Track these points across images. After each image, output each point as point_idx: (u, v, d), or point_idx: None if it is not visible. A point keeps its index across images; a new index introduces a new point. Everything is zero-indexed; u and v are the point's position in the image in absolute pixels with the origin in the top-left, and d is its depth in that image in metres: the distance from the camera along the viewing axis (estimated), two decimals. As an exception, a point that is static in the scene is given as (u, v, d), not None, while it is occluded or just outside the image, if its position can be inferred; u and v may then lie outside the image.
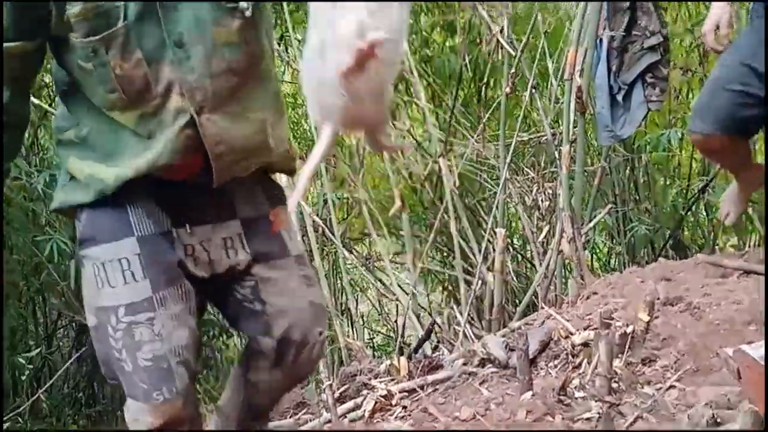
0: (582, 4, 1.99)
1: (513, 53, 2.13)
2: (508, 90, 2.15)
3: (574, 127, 2.08)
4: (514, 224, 2.95)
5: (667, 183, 3.12)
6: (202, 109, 1.09)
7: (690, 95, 2.88)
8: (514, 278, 2.56)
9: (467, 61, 2.48)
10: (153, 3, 1.04)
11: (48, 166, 2.95)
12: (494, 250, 2.18)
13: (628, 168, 2.86)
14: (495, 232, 2.15)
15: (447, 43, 3.44)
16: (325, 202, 2.67)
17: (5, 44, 1.08)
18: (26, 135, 3.50)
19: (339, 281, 3.26)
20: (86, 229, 1.16)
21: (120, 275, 1.12)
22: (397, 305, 2.94)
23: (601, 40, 2.07)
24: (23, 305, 3.63)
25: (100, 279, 1.13)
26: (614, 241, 3.08)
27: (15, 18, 1.07)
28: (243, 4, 1.07)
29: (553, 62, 2.33)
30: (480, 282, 2.27)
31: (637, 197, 2.95)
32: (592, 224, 2.19)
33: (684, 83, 2.80)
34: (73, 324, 3.71)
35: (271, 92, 1.18)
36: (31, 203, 3.00)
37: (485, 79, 2.95)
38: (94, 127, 1.14)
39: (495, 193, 2.38)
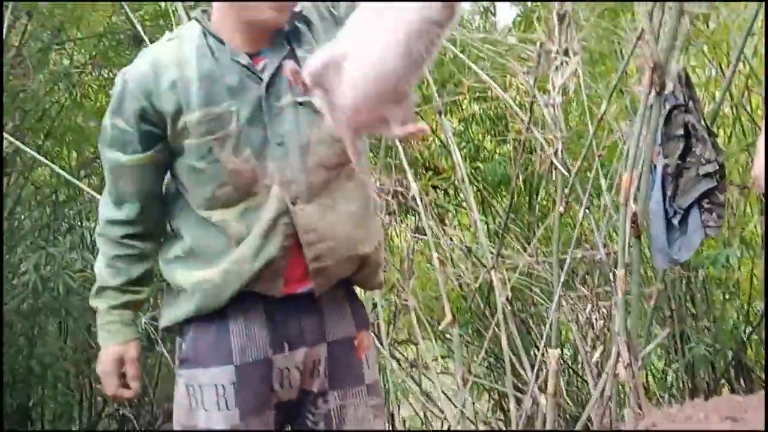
0: (636, 129, 2.03)
1: (566, 174, 2.17)
2: (561, 210, 2.18)
3: (629, 250, 2.07)
4: (566, 341, 2.89)
5: (727, 299, 3.03)
6: (297, 200, 1.22)
7: (747, 212, 2.84)
8: (568, 401, 2.47)
9: (518, 170, 2.51)
10: (260, 109, 1.21)
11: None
12: (547, 369, 2.14)
13: (684, 283, 2.80)
14: (548, 351, 2.12)
15: (497, 151, 3.54)
16: (374, 305, 2.70)
17: (130, 157, 1.27)
18: (90, 236, 3.72)
19: (384, 385, 3.23)
20: (188, 350, 1.29)
21: (214, 401, 1.24)
22: (442, 415, 2.87)
23: (655, 165, 2.10)
24: (71, 391, 3.71)
25: (195, 399, 1.26)
26: (671, 357, 2.97)
27: (134, 134, 1.25)
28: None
29: (606, 180, 2.35)
30: (531, 401, 2.22)
31: (695, 313, 2.87)
32: (648, 349, 2.13)
33: (741, 200, 2.78)
34: (117, 414, 3.76)
35: (361, 187, 1.31)
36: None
37: (537, 190, 3.01)
38: (200, 235, 1.27)
39: (547, 308, 2.36)
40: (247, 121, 1.21)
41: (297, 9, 1.33)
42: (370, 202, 1.35)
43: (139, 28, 2.82)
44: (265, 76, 1.24)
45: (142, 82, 1.24)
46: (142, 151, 1.27)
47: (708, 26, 2.48)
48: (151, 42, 3.16)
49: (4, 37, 2.66)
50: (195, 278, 1.26)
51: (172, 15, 2.75)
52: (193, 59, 1.23)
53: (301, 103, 1.23)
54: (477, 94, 2.89)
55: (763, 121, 1.88)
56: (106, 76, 3.48)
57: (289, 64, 1.13)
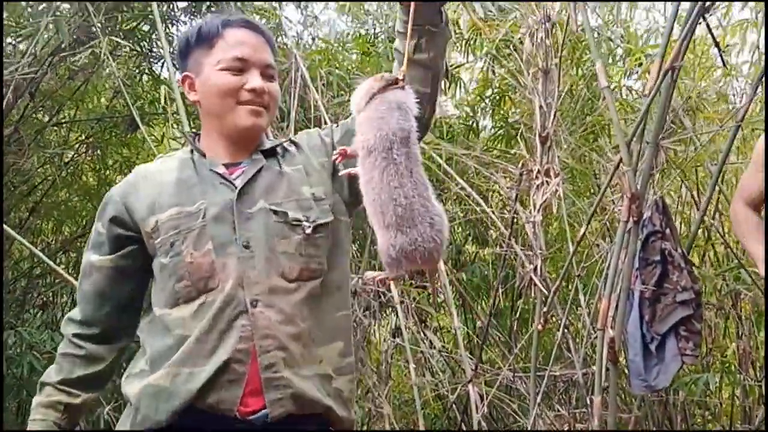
0: (614, 255, 2.07)
1: (546, 293, 2.18)
2: (539, 328, 2.17)
3: (607, 374, 2.06)
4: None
5: (708, 420, 2.98)
6: (257, 302, 1.19)
7: (725, 337, 2.85)
8: None
9: (498, 283, 2.52)
10: (230, 211, 1.23)
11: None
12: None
13: (662, 405, 2.76)
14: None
15: (479, 254, 3.57)
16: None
17: (98, 258, 1.31)
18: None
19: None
20: None
21: None
22: None
23: (632, 290, 2.12)
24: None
25: None
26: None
27: (105, 236, 1.30)
28: (305, 224, 1.24)
29: (585, 299, 2.37)
30: None
31: (675, 436, 2.81)
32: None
33: (719, 324, 2.79)
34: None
35: (326, 311, 1.26)
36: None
37: (519, 294, 3.01)
38: (158, 340, 1.23)
39: (524, 425, 2.31)
40: (213, 218, 1.23)
41: (290, 136, 1.43)
42: (338, 329, 1.28)
43: (135, 112, 2.89)
44: (239, 182, 1.27)
45: (124, 187, 1.32)
46: (108, 254, 1.30)
47: (677, 153, 2.58)
48: (144, 124, 3.28)
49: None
50: (141, 384, 1.20)
51: (167, 101, 2.83)
52: (174, 169, 1.31)
53: (275, 212, 1.25)
54: (461, 201, 2.95)
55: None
56: (99, 156, 3.53)
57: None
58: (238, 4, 3.01)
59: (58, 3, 2.92)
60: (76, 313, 1.33)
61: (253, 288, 1.19)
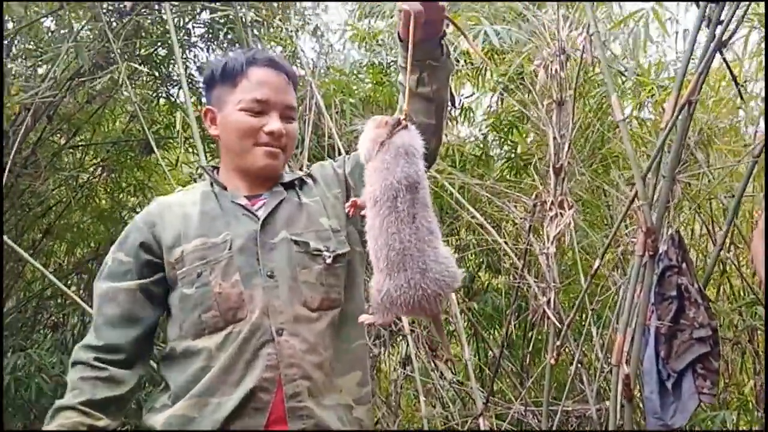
0: (629, 289, 2.04)
1: (559, 326, 2.15)
2: (552, 362, 2.14)
3: (621, 411, 2.01)
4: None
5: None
6: (282, 331, 1.21)
7: (742, 372, 2.79)
8: None
9: (511, 316, 2.49)
10: (254, 242, 1.26)
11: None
12: None
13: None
14: None
15: (492, 282, 3.54)
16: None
17: (123, 284, 1.29)
18: (72, 337, 3.63)
19: None
20: None
21: None
22: None
23: (648, 327, 2.08)
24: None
25: None
26: None
27: (133, 264, 1.29)
28: (326, 254, 1.27)
29: (599, 335, 2.33)
30: None
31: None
32: None
33: (737, 360, 2.73)
34: None
35: (345, 341, 1.28)
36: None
37: (532, 325, 2.97)
38: (182, 372, 1.24)
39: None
40: (239, 249, 1.25)
41: (305, 169, 1.43)
42: (357, 358, 1.31)
43: (151, 136, 2.92)
44: (261, 213, 1.30)
45: (148, 217, 1.33)
46: (136, 279, 1.29)
47: (690, 186, 2.55)
48: (159, 148, 3.31)
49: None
50: (170, 415, 1.21)
51: (181, 126, 2.86)
52: (197, 201, 1.34)
53: (296, 242, 1.28)
54: (474, 230, 2.93)
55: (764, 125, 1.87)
56: (114, 179, 3.56)
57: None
58: (255, 31, 3.05)
59: (78, 28, 2.98)
60: (93, 339, 1.29)
61: (278, 317, 1.22)
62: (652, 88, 2.55)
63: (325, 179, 1.40)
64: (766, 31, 1.75)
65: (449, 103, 1.30)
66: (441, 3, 1.17)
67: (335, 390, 1.24)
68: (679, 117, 1.91)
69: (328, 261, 1.27)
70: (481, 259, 3.36)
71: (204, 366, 1.21)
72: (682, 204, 2.54)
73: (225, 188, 1.35)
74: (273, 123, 1.31)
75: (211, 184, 1.36)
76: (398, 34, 1.24)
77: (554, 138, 2.21)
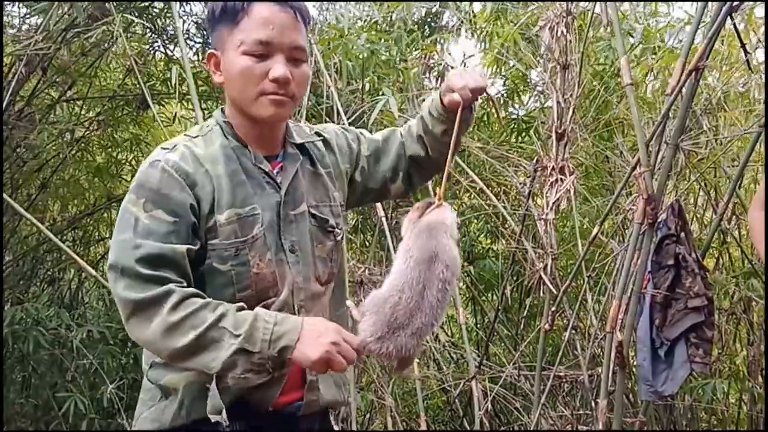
0: (626, 257, 2.03)
1: (555, 292, 2.15)
2: (547, 327, 2.14)
3: (613, 378, 2.03)
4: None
5: (714, 425, 2.95)
6: (302, 308, 1.23)
7: (736, 342, 2.81)
8: None
9: (506, 281, 2.48)
10: (277, 215, 1.22)
11: (86, 322, 3.03)
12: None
13: (668, 411, 2.73)
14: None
15: (492, 247, 3.52)
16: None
17: (178, 246, 1.13)
18: (69, 292, 3.63)
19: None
20: None
21: None
22: None
23: (644, 294, 2.08)
24: (26, 453, 3.53)
25: None
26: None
27: (181, 225, 1.15)
28: (337, 230, 1.29)
29: (594, 301, 2.33)
30: None
31: (679, 440, 2.78)
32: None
33: (731, 330, 2.74)
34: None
35: (335, 308, 1.34)
36: (61, 355, 3.04)
37: (529, 291, 2.97)
38: None
39: (527, 424, 2.29)
40: (268, 225, 1.21)
41: (321, 126, 1.40)
42: (343, 324, 1.30)
43: (147, 91, 2.86)
44: (282, 182, 1.24)
45: (186, 172, 1.18)
46: (183, 243, 1.15)
47: (694, 155, 2.51)
48: (155, 103, 3.24)
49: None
50: (188, 379, 1.18)
51: (177, 81, 2.80)
52: (220, 159, 1.21)
53: (314, 216, 1.26)
54: (475, 194, 2.91)
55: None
56: (109, 135, 3.51)
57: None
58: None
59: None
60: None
61: (300, 293, 1.23)
62: (663, 54, 2.48)
63: (341, 150, 1.37)
64: (767, 30, 1.70)
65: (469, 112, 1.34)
66: (484, 84, 1.27)
67: None
68: (686, 83, 1.86)
69: (338, 238, 1.29)
70: (481, 225, 3.35)
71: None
72: (684, 172, 2.51)
73: (245, 146, 1.23)
74: (278, 68, 1.17)
75: (226, 136, 1.23)
76: (440, 100, 1.30)
77: (557, 102, 2.16)
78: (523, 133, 3.07)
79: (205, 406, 1.15)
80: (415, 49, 3.13)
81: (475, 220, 3.30)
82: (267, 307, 1.17)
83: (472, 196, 3.07)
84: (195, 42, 3.32)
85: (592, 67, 2.54)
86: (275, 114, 1.21)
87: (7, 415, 3.26)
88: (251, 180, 1.21)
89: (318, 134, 1.36)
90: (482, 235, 3.49)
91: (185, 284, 1.13)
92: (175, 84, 2.77)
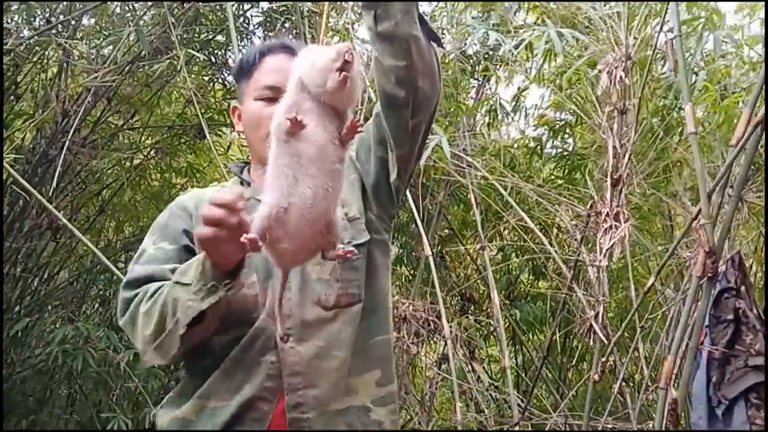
0: (684, 311, 1.96)
1: (605, 341, 2.09)
2: (596, 378, 2.08)
3: (666, 436, 1.94)
4: None
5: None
6: (288, 337, 1.13)
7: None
8: None
9: (555, 327, 2.43)
10: None
11: (133, 345, 3.08)
12: None
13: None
14: None
15: (535, 285, 3.46)
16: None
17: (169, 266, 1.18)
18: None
19: None
20: None
21: None
22: None
23: (700, 350, 2.00)
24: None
25: None
26: None
27: (177, 251, 1.23)
28: (339, 245, 1.11)
29: (645, 350, 2.26)
30: None
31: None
32: None
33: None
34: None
35: (362, 338, 1.18)
36: (107, 375, 3.11)
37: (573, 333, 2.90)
38: (192, 370, 1.20)
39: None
40: None
41: None
42: (385, 359, 1.22)
43: (204, 121, 2.95)
44: None
45: (183, 205, 1.29)
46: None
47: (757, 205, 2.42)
48: (212, 133, 3.35)
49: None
50: (171, 417, 1.18)
51: (230, 115, 2.88)
52: None
53: None
54: (516, 233, 2.87)
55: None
56: (167, 162, 3.63)
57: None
58: (312, 21, 3.04)
59: (140, 13, 3.03)
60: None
61: (285, 321, 1.14)
62: (719, 98, 2.42)
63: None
64: (767, 30, 1.65)
65: (433, 43, 1.17)
66: None
67: (349, 393, 1.16)
68: (751, 135, 1.81)
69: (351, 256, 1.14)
70: (524, 264, 3.30)
71: (209, 365, 1.16)
72: (747, 223, 2.42)
73: (249, 184, 1.30)
74: None
75: (241, 182, 1.33)
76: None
77: (614, 147, 2.13)
78: (575, 171, 3.03)
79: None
80: (470, 86, 3.15)
81: (517, 258, 3.24)
82: (244, 333, 1.14)
83: (517, 234, 3.04)
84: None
85: (651, 103, 2.49)
86: None
87: (51, 427, 3.34)
88: (249, 211, 1.19)
89: None
90: (524, 274, 3.44)
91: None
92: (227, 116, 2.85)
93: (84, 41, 3.21)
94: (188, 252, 1.22)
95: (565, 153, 3.21)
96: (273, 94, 1.23)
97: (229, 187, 1.33)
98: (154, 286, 1.16)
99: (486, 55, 3.21)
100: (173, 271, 1.16)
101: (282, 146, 1.03)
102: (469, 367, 2.85)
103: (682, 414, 1.97)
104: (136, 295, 1.17)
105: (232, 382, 1.13)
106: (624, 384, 2.20)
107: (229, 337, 1.15)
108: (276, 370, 1.13)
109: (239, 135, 1.36)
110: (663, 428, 1.92)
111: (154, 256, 1.23)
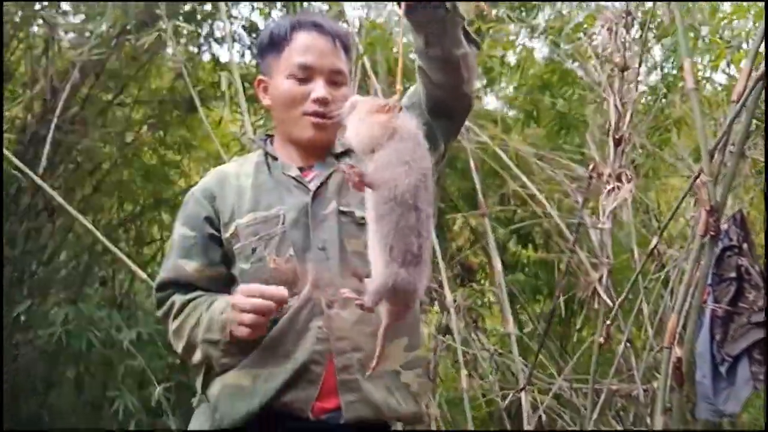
0: (687, 270, 1.94)
1: (610, 304, 2.08)
2: (601, 340, 2.07)
3: (670, 394, 1.94)
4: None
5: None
6: (332, 303, 1.21)
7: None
8: None
9: (559, 291, 2.42)
10: (305, 214, 1.25)
11: (136, 324, 3.10)
12: None
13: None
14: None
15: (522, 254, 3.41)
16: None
17: (195, 265, 1.28)
18: (120, 292, 3.72)
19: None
20: None
21: None
22: None
23: (704, 308, 1.99)
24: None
25: None
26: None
27: (198, 239, 1.29)
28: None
29: (650, 317, 2.25)
30: None
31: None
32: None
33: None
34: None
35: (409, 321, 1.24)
36: (112, 356, 3.12)
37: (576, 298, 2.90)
38: (234, 348, 1.22)
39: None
40: (291, 223, 1.24)
41: None
42: (414, 326, 1.29)
43: (195, 94, 2.89)
44: (313, 185, 1.28)
45: (206, 189, 1.32)
46: (201, 257, 1.28)
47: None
48: (204, 107, 3.29)
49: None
50: (221, 384, 1.23)
51: (228, 87, 2.82)
52: (251, 173, 1.32)
53: (344, 213, 1.25)
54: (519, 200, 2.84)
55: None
56: (159, 137, 3.58)
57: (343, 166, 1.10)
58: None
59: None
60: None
61: (328, 290, 1.21)
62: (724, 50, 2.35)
63: None
64: (766, 32, 1.60)
65: (474, 47, 1.22)
66: None
67: (384, 357, 1.19)
68: (752, 90, 1.76)
69: None
70: (507, 233, 3.23)
71: (255, 338, 1.20)
72: (748, 181, 2.39)
73: (276, 159, 1.33)
74: (318, 89, 1.27)
75: (265, 155, 1.34)
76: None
77: (615, 106, 2.08)
78: (570, 129, 2.96)
79: (235, 411, 1.19)
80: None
81: (500, 228, 3.18)
82: (289, 303, 1.20)
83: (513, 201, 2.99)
84: (243, 44, 3.35)
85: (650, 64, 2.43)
86: (315, 137, 1.30)
87: (58, 409, 3.36)
88: (279, 186, 1.28)
89: None
90: (511, 242, 3.38)
91: (189, 291, 1.27)
92: (224, 89, 2.79)
93: (69, 15, 3.13)
94: (211, 240, 1.28)
95: (561, 112, 3.14)
96: (306, 74, 1.28)
97: (254, 158, 1.34)
98: (179, 301, 1.27)
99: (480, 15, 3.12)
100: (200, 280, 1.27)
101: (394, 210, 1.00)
102: (474, 335, 2.85)
103: (686, 373, 1.96)
104: (165, 300, 1.30)
105: (282, 348, 1.19)
106: (628, 345, 2.20)
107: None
108: (324, 334, 1.20)
109: (267, 109, 1.38)
110: (667, 386, 1.92)
111: (177, 245, 1.30)
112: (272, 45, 1.32)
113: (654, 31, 2.23)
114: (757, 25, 2.27)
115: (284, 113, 1.32)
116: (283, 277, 1.21)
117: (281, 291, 1.14)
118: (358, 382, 1.20)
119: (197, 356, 1.24)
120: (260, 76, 1.36)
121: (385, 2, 2.99)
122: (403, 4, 1.09)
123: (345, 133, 1.07)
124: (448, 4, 1.13)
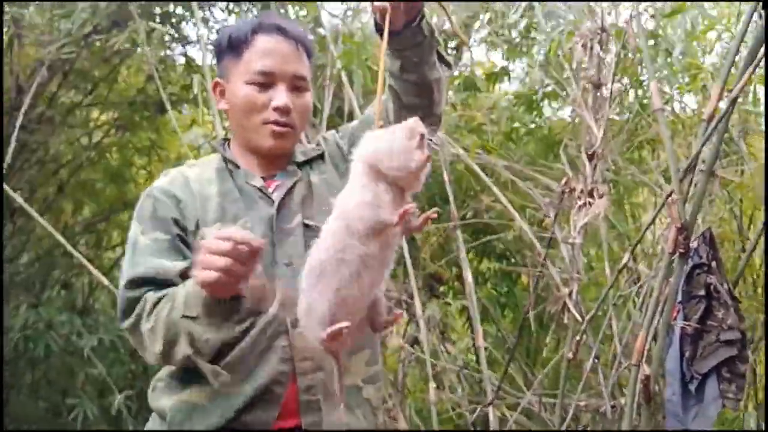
0: (656, 287, 1.95)
1: (579, 320, 2.07)
2: (570, 356, 2.07)
3: (638, 414, 1.94)
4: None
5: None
6: (297, 322, 1.13)
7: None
8: None
9: (529, 305, 2.41)
10: (270, 226, 1.20)
11: (97, 330, 3.00)
12: None
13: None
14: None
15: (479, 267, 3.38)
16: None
17: (169, 263, 1.18)
18: (82, 297, 3.61)
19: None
20: None
21: None
22: None
23: (673, 325, 2.00)
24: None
25: None
26: None
27: (171, 241, 1.21)
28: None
29: (618, 326, 2.25)
30: None
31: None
32: None
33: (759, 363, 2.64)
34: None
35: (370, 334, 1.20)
36: (72, 362, 3.02)
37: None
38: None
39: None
40: (259, 237, 1.17)
41: (316, 141, 1.37)
42: (367, 338, 1.25)
43: (165, 96, 2.83)
44: (276, 196, 1.24)
45: (169, 191, 1.24)
46: (184, 260, 1.20)
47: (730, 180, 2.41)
48: (174, 109, 3.22)
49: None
50: (178, 400, 1.18)
51: (199, 90, 2.78)
52: (213, 180, 1.26)
53: (308, 226, 1.21)
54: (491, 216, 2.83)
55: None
56: (126, 139, 3.49)
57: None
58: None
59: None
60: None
61: (293, 308, 1.14)
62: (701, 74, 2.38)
63: (332, 155, 1.33)
64: (766, 33, 1.64)
65: (447, 69, 1.23)
66: None
67: (346, 372, 1.17)
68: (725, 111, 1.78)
69: None
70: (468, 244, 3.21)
71: (216, 355, 1.16)
72: (718, 199, 2.42)
73: (238, 166, 1.27)
74: (279, 97, 1.23)
75: (225, 161, 1.29)
76: (375, 24, 1.16)
77: (588, 122, 2.09)
78: (554, 147, 2.97)
79: (193, 429, 1.14)
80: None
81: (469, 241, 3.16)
82: (254, 322, 1.16)
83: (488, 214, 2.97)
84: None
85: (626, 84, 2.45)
86: (275, 146, 1.26)
87: (15, 415, 3.24)
88: (244, 197, 1.23)
89: (319, 147, 1.35)
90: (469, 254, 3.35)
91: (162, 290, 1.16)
92: (197, 92, 2.74)
93: (36, 12, 3.03)
94: (181, 241, 1.22)
95: (540, 128, 3.17)
96: (267, 80, 1.23)
97: (213, 164, 1.29)
98: (152, 299, 1.15)
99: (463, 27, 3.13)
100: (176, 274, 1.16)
101: (353, 239, 0.96)
102: (442, 347, 2.82)
103: (657, 388, 1.97)
104: (139, 299, 1.17)
105: (244, 368, 1.15)
106: (597, 361, 2.19)
107: (241, 327, 1.16)
108: (288, 354, 1.16)
109: (224, 113, 1.34)
110: (635, 403, 1.91)
111: (150, 248, 1.20)
112: (231, 47, 1.26)
113: (627, 49, 2.25)
114: (728, 43, 2.30)
115: (243, 120, 1.26)
116: (255, 293, 1.15)
117: (258, 239, 1.05)
118: (320, 403, 1.18)
119: (182, 347, 1.11)
120: (217, 79, 1.30)
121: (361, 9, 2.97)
122: (384, 32, 1.06)
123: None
124: (426, 30, 1.13)
